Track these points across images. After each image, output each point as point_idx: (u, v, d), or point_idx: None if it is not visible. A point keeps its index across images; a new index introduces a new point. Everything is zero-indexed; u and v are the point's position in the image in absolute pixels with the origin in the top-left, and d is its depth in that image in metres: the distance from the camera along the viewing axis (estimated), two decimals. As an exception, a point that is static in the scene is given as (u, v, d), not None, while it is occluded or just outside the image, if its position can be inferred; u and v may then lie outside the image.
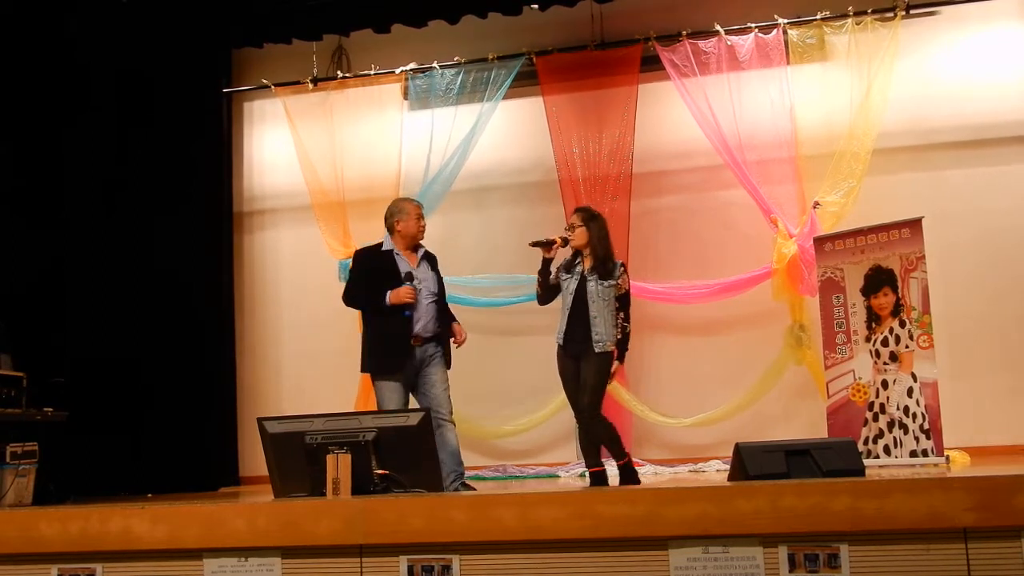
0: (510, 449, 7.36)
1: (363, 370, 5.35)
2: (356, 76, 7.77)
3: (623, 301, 5.10)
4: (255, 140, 8.26)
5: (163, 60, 7.45)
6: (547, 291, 5.21)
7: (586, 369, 5.01)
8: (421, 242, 5.38)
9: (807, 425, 6.70)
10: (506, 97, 7.46)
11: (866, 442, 5.87)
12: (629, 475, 5.11)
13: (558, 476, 6.87)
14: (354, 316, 7.43)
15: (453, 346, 5.36)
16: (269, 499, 3.49)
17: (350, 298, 5.38)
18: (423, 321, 5.18)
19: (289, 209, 8.02)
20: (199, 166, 7.61)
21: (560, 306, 5.18)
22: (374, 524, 2.73)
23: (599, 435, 5.10)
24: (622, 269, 5.14)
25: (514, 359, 7.22)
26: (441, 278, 5.40)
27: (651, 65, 7.24)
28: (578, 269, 5.14)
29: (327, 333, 7.71)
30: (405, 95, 7.71)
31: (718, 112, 7.02)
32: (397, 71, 7.64)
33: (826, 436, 5.88)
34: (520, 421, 7.22)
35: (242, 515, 2.82)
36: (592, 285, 5.05)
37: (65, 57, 7.23)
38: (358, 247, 7.42)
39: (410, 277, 5.14)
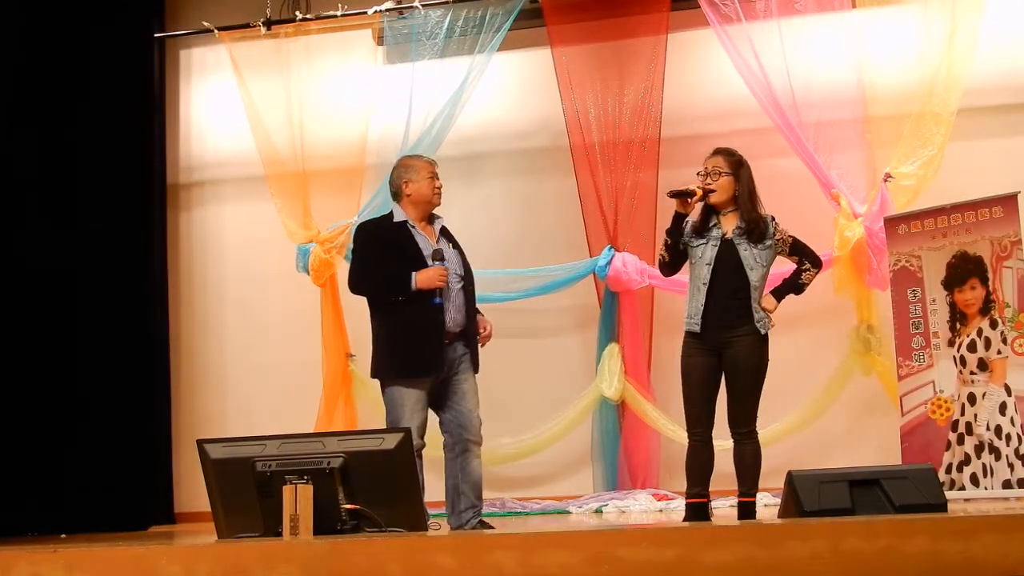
0: (510, 479, 7.36)
1: (374, 375, 5.19)
2: (319, 18, 7.77)
3: (799, 250, 5.02)
4: (194, 97, 8.26)
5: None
6: (676, 256, 4.99)
7: (742, 361, 4.80)
8: (436, 212, 5.29)
9: (876, 449, 6.72)
10: (504, 45, 7.46)
11: (949, 470, 5.89)
12: (752, 512, 4.98)
13: (568, 512, 6.88)
14: (316, 314, 7.49)
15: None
16: (212, 540, 3.49)
17: (363, 282, 5.18)
18: (451, 312, 5.07)
19: (236, 182, 8.04)
20: (124, 128, 7.58)
21: (690, 282, 4.96)
22: (342, 571, 2.72)
23: (756, 456, 4.93)
24: (775, 222, 4.96)
25: (515, 367, 7.19)
26: (465, 256, 5.31)
27: (684, 5, 7.25)
28: (715, 232, 4.92)
29: (283, 336, 7.71)
30: (380, 42, 7.75)
31: (766, 63, 7.01)
32: (370, 12, 7.64)
33: (900, 463, 5.88)
34: (521, 443, 7.22)
35: (178, 560, 2.81)
36: (745, 250, 4.85)
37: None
38: (322, 228, 7.50)
39: (440, 255, 5.04)
